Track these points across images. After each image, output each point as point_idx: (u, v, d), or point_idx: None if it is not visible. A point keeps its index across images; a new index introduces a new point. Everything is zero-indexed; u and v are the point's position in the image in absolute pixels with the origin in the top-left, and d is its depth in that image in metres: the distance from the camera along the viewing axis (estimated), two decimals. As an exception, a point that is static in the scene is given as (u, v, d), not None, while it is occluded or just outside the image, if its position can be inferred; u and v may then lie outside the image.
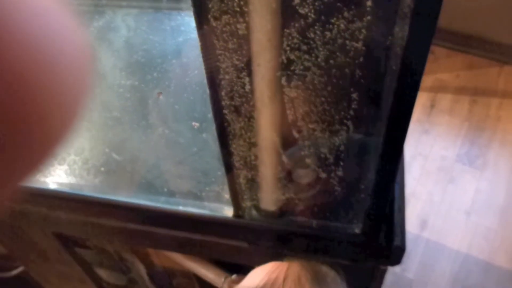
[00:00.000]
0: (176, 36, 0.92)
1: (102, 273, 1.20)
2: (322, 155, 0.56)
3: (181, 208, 0.65)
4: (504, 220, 1.52)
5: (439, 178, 1.66)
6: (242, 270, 0.77)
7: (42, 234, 0.92)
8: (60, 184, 0.69)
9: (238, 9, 0.39)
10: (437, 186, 1.64)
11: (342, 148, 0.54)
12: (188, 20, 0.95)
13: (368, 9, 0.36)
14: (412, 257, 1.51)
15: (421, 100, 1.91)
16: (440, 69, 1.99)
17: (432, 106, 1.88)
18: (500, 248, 1.47)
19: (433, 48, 2.09)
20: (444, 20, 2.01)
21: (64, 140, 0.19)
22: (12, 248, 1.08)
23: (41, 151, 0.18)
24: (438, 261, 1.49)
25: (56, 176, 0.69)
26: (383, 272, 0.68)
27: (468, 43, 2.04)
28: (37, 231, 0.91)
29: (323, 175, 0.59)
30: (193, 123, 0.66)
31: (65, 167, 0.69)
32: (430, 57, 2.14)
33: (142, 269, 1.15)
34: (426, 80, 1.97)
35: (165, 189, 0.66)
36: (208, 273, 0.85)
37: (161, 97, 0.70)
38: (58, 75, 0.17)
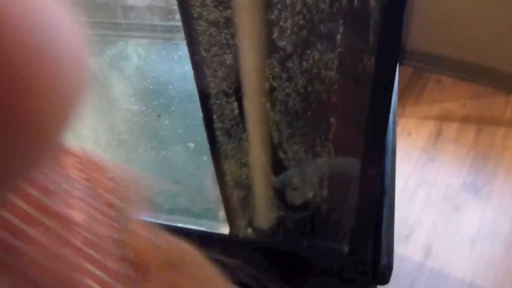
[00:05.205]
0: (184, 64, 0.98)
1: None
2: (312, 178, 0.60)
3: (180, 225, 0.69)
4: (509, 249, 1.52)
5: (444, 206, 1.67)
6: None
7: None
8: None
9: (225, 42, 0.44)
10: (442, 214, 1.65)
11: (331, 171, 0.58)
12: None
13: (338, 42, 0.40)
14: (416, 285, 1.51)
15: (427, 128, 1.94)
16: (447, 98, 2.02)
17: (438, 134, 1.90)
18: (505, 277, 1.46)
19: (439, 77, 2.13)
20: (451, 49, 2.06)
21: (57, 139, 0.20)
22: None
23: (34, 146, 0.18)
24: (442, 289, 1.49)
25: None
26: (373, 292, 0.70)
27: (475, 73, 2.07)
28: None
29: (314, 196, 0.62)
30: (189, 144, 0.71)
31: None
32: (437, 86, 2.18)
33: None
34: (433, 109, 2.00)
35: (166, 207, 0.70)
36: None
37: (159, 118, 0.74)
38: (52, 75, 0.18)
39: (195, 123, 0.84)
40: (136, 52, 1.04)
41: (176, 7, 1.08)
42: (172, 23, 1.09)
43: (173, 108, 0.88)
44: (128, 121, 0.84)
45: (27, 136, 0.17)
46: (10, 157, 0.17)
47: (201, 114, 0.85)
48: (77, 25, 0.20)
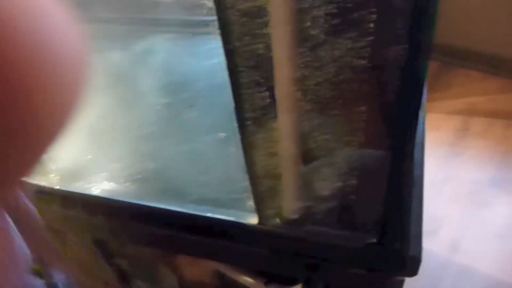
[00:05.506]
0: (210, 58, 0.99)
1: (136, 283, 1.25)
2: (341, 168, 0.60)
3: (209, 215, 0.70)
4: (539, 246, 1.49)
5: (472, 202, 1.65)
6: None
7: (80, 240, 0.98)
8: (102, 190, 0.75)
9: (258, 31, 0.44)
10: (470, 210, 1.63)
11: (361, 160, 0.58)
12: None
13: (371, 30, 0.40)
14: (443, 281, 1.50)
15: (455, 123, 1.91)
16: (474, 93, 1.98)
17: (466, 129, 1.87)
18: (535, 274, 1.44)
19: (467, 71, 2.09)
20: (479, 43, 2.02)
21: (56, 139, 0.19)
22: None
23: (34, 146, 0.18)
24: (470, 285, 1.47)
25: (97, 183, 0.76)
26: (400, 284, 0.70)
27: (503, 67, 2.03)
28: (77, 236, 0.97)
29: (342, 186, 0.63)
30: (220, 134, 0.72)
31: (105, 174, 0.76)
32: (464, 81, 2.14)
33: (174, 281, 1.20)
34: (460, 103, 1.97)
35: (195, 196, 0.72)
36: (247, 278, 0.87)
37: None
38: (51, 75, 0.18)
39: (223, 114, 0.85)
40: (164, 46, 1.05)
41: (202, 2, 1.09)
42: (199, 17, 1.10)
43: (201, 100, 0.90)
44: (157, 113, 0.85)
45: (26, 137, 0.17)
46: (10, 157, 0.17)
47: (228, 106, 0.86)
48: (77, 25, 0.20)
